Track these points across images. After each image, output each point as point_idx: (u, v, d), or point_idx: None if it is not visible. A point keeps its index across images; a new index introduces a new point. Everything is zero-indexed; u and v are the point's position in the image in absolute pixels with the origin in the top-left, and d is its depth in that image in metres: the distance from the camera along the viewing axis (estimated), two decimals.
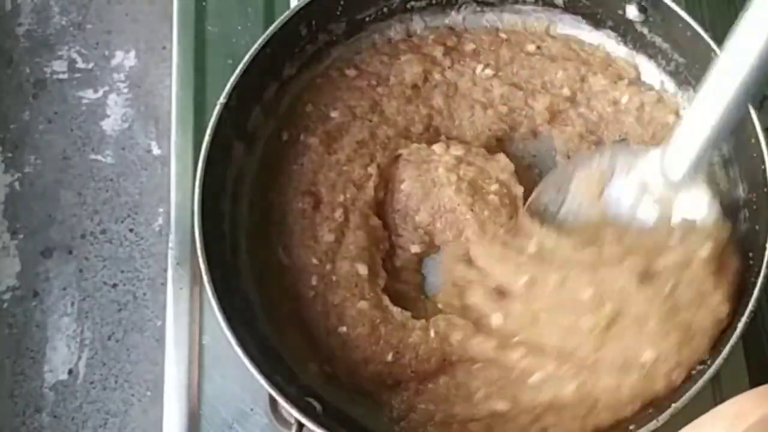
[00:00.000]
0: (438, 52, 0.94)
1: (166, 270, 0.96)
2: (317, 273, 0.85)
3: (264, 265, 0.87)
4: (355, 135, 0.90)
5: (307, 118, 0.92)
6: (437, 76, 0.94)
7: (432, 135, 0.92)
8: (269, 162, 0.91)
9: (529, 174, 0.92)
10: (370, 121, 0.91)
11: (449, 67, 0.94)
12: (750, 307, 0.77)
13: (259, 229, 0.89)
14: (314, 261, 0.86)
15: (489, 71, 0.94)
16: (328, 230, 0.86)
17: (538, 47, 0.95)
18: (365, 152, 0.90)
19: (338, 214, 0.87)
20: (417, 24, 0.98)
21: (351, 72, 0.94)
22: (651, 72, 0.94)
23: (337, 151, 0.90)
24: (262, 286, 0.87)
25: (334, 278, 0.84)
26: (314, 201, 0.87)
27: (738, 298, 0.76)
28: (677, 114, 0.92)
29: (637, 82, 0.94)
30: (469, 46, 0.96)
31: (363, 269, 0.84)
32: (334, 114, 0.92)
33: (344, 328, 0.83)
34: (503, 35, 0.96)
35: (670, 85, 0.93)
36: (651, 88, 0.93)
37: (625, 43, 0.94)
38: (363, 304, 0.83)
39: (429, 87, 0.93)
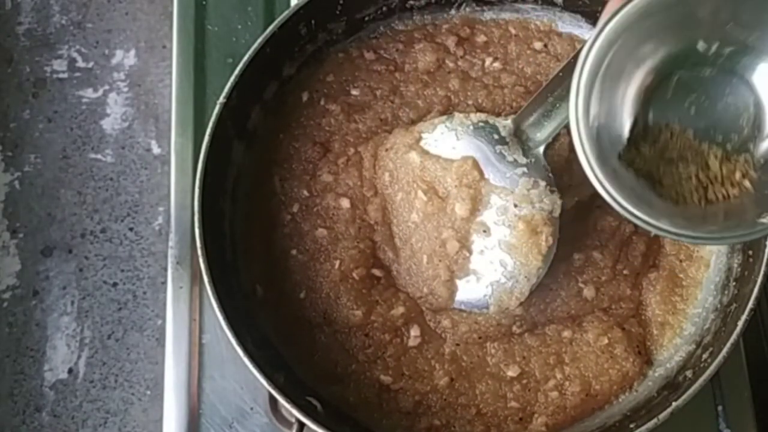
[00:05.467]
0: (451, 41, 0.96)
1: (166, 269, 0.96)
2: (302, 203, 0.90)
3: (254, 196, 0.90)
4: (378, 113, 0.93)
5: (328, 87, 0.95)
6: (450, 64, 0.96)
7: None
8: (286, 113, 0.93)
9: None
10: (392, 102, 0.94)
11: (461, 57, 0.96)
12: (750, 305, 0.77)
13: (261, 163, 0.92)
14: (305, 193, 0.90)
15: (498, 64, 0.96)
16: (327, 172, 0.90)
17: (545, 45, 0.96)
18: (388, 129, 0.92)
19: (341, 161, 0.91)
20: (417, 22, 0.98)
21: (370, 55, 0.96)
22: None
23: (358, 121, 0.93)
24: (248, 220, 0.90)
25: (315, 209, 0.89)
26: (324, 151, 0.91)
27: None
28: None
29: None
30: (481, 38, 0.97)
31: (345, 203, 0.88)
32: (355, 92, 0.95)
33: (295, 251, 0.88)
34: (512, 30, 0.97)
35: None
36: None
37: None
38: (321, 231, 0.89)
39: (443, 72, 0.95)
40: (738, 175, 0.65)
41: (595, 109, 0.64)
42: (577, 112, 0.63)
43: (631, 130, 0.67)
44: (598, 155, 0.63)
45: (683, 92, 0.66)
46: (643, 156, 0.67)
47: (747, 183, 0.65)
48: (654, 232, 0.64)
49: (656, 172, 0.66)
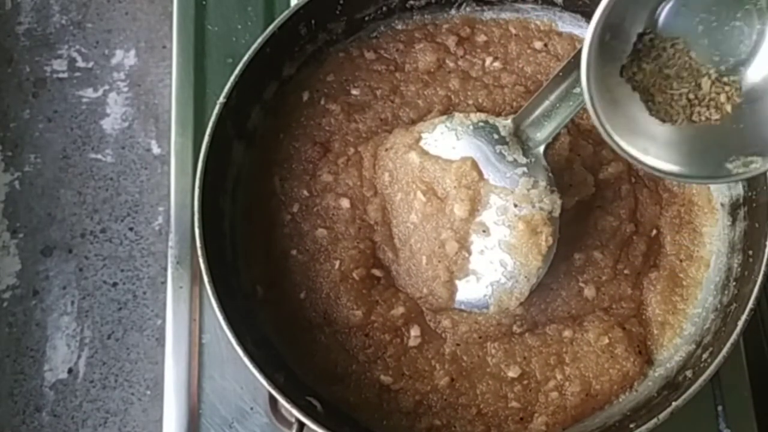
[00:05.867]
0: (451, 41, 0.96)
1: (165, 269, 0.96)
2: (302, 203, 0.90)
3: (254, 196, 0.91)
4: (379, 113, 0.93)
5: (329, 86, 0.95)
6: (451, 64, 0.96)
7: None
8: (286, 113, 0.94)
9: None
10: (392, 102, 0.94)
11: (462, 57, 0.97)
12: (750, 305, 0.77)
13: (261, 163, 0.92)
14: (305, 193, 0.90)
15: (498, 64, 0.96)
16: (327, 172, 0.90)
17: (545, 45, 0.96)
18: (388, 128, 0.92)
19: (341, 161, 0.91)
20: (417, 22, 0.98)
21: (370, 55, 0.96)
22: None
23: (359, 121, 0.93)
24: (248, 219, 0.90)
25: (315, 209, 0.89)
26: (324, 151, 0.92)
27: None
28: None
29: None
30: (481, 38, 0.97)
31: (345, 203, 0.88)
32: (355, 92, 0.95)
33: (295, 251, 0.88)
34: (513, 30, 0.97)
35: None
36: None
37: None
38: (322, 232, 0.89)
39: (443, 72, 0.96)
40: (723, 97, 0.71)
41: (618, 11, 0.67)
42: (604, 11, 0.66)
43: (638, 44, 0.71)
44: (600, 67, 0.68)
45: (698, 6, 0.70)
46: (643, 71, 0.72)
47: (728, 107, 0.71)
48: (628, 158, 0.70)
49: (652, 87, 0.72)
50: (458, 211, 0.81)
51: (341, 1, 0.92)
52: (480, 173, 0.81)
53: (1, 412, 1.23)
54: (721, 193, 0.89)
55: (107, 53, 1.41)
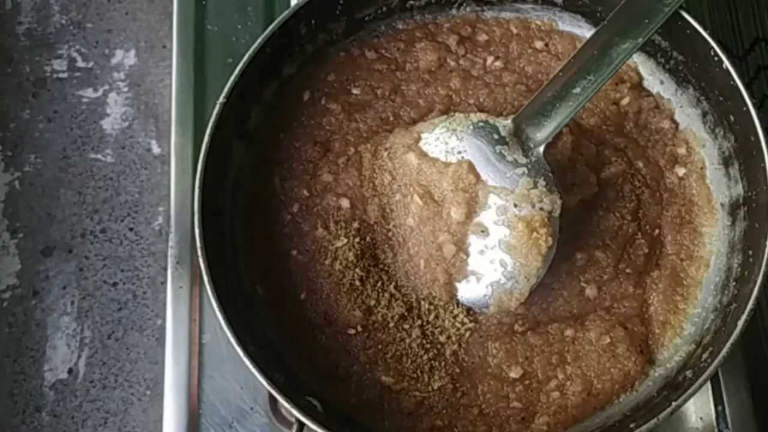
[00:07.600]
0: (452, 40, 0.96)
1: (165, 269, 0.96)
2: (302, 203, 0.90)
3: (255, 198, 0.91)
4: (379, 112, 0.93)
5: (329, 86, 0.95)
6: (452, 63, 0.96)
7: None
8: (286, 112, 0.94)
9: None
10: (393, 101, 0.94)
11: (463, 56, 0.97)
12: (750, 305, 0.77)
13: (261, 161, 0.92)
14: (305, 193, 0.90)
15: (499, 63, 0.96)
16: (327, 171, 0.90)
17: (546, 44, 0.96)
18: (388, 128, 0.92)
19: (342, 160, 0.91)
20: (418, 21, 0.98)
21: (371, 54, 0.96)
22: (650, 70, 0.94)
23: (359, 121, 0.93)
24: (248, 219, 0.90)
25: (315, 209, 0.89)
26: (324, 150, 0.91)
27: None
28: (672, 119, 0.92)
29: (637, 87, 0.94)
30: (482, 37, 0.97)
31: (345, 203, 0.88)
32: (356, 91, 0.95)
33: (295, 251, 0.88)
34: (514, 29, 0.97)
35: (670, 84, 0.93)
36: (649, 94, 0.94)
37: None
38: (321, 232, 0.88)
39: (444, 71, 0.96)
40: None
41: None
42: None
43: None
44: None
45: None
46: None
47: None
48: None
49: None
50: (455, 214, 0.81)
51: (341, 1, 0.92)
52: (477, 175, 0.81)
53: (1, 412, 1.23)
54: (721, 193, 0.89)
55: (107, 53, 1.41)
